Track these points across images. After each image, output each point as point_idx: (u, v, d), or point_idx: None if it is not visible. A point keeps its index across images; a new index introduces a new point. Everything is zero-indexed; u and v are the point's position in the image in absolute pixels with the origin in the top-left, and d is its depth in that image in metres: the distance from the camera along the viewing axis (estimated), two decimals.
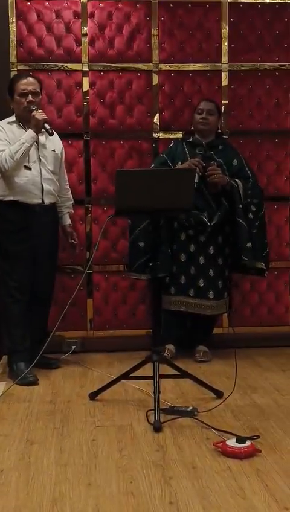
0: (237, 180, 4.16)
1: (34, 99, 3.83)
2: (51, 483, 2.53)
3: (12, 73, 4.31)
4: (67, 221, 4.18)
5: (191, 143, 4.24)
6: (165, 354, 4.07)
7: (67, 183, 4.19)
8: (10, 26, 4.37)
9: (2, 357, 4.26)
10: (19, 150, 3.73)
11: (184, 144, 4.26)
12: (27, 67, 4.39)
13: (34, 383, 3.76)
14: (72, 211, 4.23)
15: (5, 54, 4.37)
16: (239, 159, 4.27)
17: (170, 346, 4.27)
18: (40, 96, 3.93)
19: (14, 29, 4.38)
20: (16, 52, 4.39)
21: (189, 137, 4.28)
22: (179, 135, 4.47)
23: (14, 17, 4.37)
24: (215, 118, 4.23)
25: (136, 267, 4.18)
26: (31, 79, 3.89)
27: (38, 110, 3.80)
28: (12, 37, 4.38)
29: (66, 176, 4.19)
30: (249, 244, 4.08)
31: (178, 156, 4.21)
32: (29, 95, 3.82)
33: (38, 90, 3.89)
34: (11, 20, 4.37)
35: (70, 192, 4.21)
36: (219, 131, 4.37)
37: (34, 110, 3.78)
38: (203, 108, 4.21)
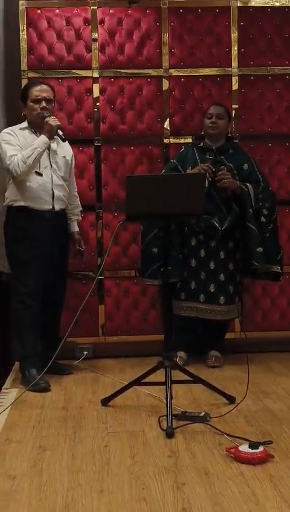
0: (247, 184, 4.15)
1: (47, 106, 3.85)
2: (63, 490, 2.53)
3: (24, 81, 4.34)
4: (75, 228, 4.18)
5: (201, 148, 4.24)
6: (176, 361, 4.06)
7: (76, 190, 4.20)
8: (21, 34, 4.40)
9: (14, 363, 4.26)
10: (31, 155, 3.74)
11: (194, 149, 4.26)
12: (38, 75, 4.41)
13: (46, 389, 3.77)
14: (80, 218, 4.24)
15: (16, 62, 4.39)
16: (250, 163, 4.26)
17: (181, 354, 4.26)
18: (53, 104, 3.95)
19: (25, 36, 4.40)
20: (26, 59, 4.41)
21: (199, 142, 4.28)
22: (190, 140, 4.47)
23: (25, 25, 4.40)
24: (224, 122, 4.23)
25: (150, 273, 4.17)
26: (45, 86, 3.91)
27: (52, 116, 3.82)
28: (23, 45, 4.41)
29: (75, 183, 4.20)
30: (259, 249, 4.07)
31: (188, 161, 4.21)
32: (43, 102, 3.84)
33: (52, 98, 3.91)
34: (21, 28, 4.39)
35: (78, 200, 4.22)
36: (229, 135, 4.36)
37: (47, 116, 3.80)
38: (212, 112, 4.22)
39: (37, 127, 3.88)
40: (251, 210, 4.10)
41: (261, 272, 4.18)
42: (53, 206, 3.90)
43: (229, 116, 4.33)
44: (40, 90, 3.86)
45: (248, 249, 4.11)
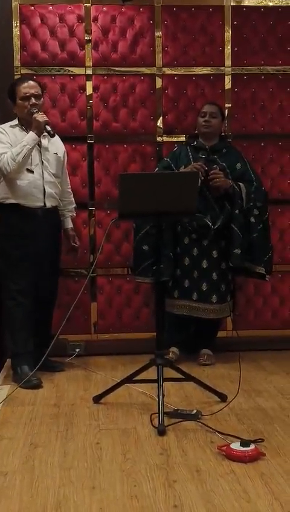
0: (240, 183, 4.16)
1: (36, 102, 3.84)
2: (55, 487, 2.53)
3: (16, 77, 4.32)
4: (69, 224, 4.18)
5: (194, 147, 4.24)
6: (169, 356, 4.08)
7: (69, 186, 4.20)
8: (14, 30, 4.39)
9: (6, 360, 4.26)
10: (20, 152, 3.74)
11: (188, 147, 4.27)
12: (31, 71, 4.40)
13: (38, 386, 3.77)
14: (74, 214, 4.24)
15: (9, 58, 4.38)
16: (243, 162, 4.27)
17: (174, 349, 4.27)
18: (42, 99, 3.94)
19: (18, 33, 4.39)
20: (19, 56, 4.40)
21: (193, 141, 4.28)
22: (183, 139, 4.48)
23: (18, 22, 4.38)
24: (218, 120, 4.24)
25: (141, 270, 4.19)
26: (32, 82, 3.90)
27: (40, 112, 3.81)
28: (16, 41, 4.39)
29: (68, 179, 4.20)
30: (237, 251, 4.08)
31: (182, 160, 4.21)
32: (32, 98, 3.83)
33: (40, 93, 3.90)
34: (14, 25, 4.38)
35: (72, 196, 4.21)
36: (223, 134, 4.37)
37: (35, 112, 3.79)
38: (206, 111, 4.22)
39: (27, 124, 3.87)
40: (237, 211, 4.11)
41: (251, 271, 4.19)
42: (44, 203, 3.89)
43: (223, 115, 4.33)
44: (27, 87, 3.85)
45: (228, 249, 4.12)
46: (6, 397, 3.57)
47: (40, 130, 3.79)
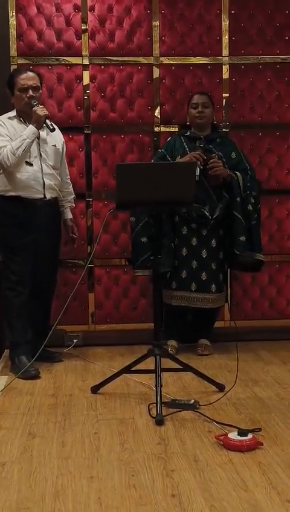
0: (236, 172, 4.15)
1: (34, 94, 3.82)
2: (53, 477, 2.53)
3: (13, 67, 4.29)
4: (69, 215, 4.17)
5: (188, 137, 4.22)
6: (169, 351, 4.07)
7: (69, 177, 4.19)
8: (10, 19, 4.36)
9: (4, 350, 4.26)
10: (20, 146, 3.72)
11: (182, 138, 4.24)
12: (27, 61, 4.38)
13: (36, 376, 3.77)
14: (74, 205, 4.22)
15: (5, 48, 4.35)
16: (237, 151, 4.26)
17: (172, 342, 4.26)
18: (40, 91, 3.91)
19: (14, 22, 4.36)
20: (15, 45, 4.37)
21: (186, 131, 4.26)
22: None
23: (14, 11, 4.35)
24: (210, 110, 4.21)
25: (140, 263, 4.16)
26: (30, 73, 3.87)
27: (40, 105, 3.78)
28: (12, 31, 4.37)
29: (67, 170, 4.18)
30: (242, 238, 4.07)
31: (177, 150, 4.19)
32: (30, 90, 3.81)
33: (39, 85, 3.87)
34: (10, 14, 4.35)
35: (71, 186, 4.20)
36: (214, 123, 4.33)
37: (35, 105, 3.76)
38: (197, 102, 4.19)
39: (25, 116, 3.84)
40: (238, 198, 4.10)
41: (245, 261, 4.17)
42: (44, 195, 3.88)
43: (213, 104, 4.29)
44: (26, 78, 3.82)
45: (231, 237, 4.11)
46: (5, 387, 3.57)
47: (40, 124, 3.76)
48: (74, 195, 4.21)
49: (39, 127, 3.77)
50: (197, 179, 3.76)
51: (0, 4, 4.34)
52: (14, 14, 4.36)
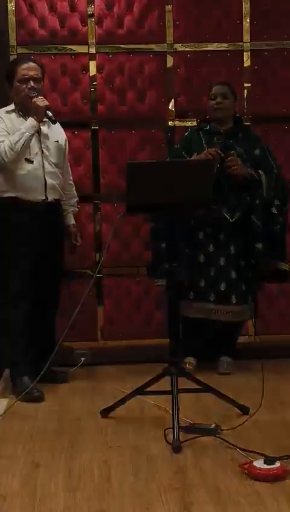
0: (259, 171, 4.14)
1: (35, 86, 3.85)
2: (58, 511, 2.53)
3: (12, 58, 4.33)
4: (71, 220, 4.18)
5: (208, 131, 4.23)
6: (187, 369, 4.05)
7: (71, 178, 4.20)
8: (9, 5, 4.40)
9: (4, 370, 4.27)
10: (19, 140, 3.74)
11: (200, 132, 4.25)
12: (28, 51, 4.42)
13: (40, 399, 3.78)
14: (77, 209, 4.23)
15: (4, 36, 4.40)
16: (262, 147, 4.25)
17: (190, 359, 4.27)
18: (42, 83, 3.94)
19: (14, 8, 4.41)
20: (15, 34, 4.41)
21: (205, 125, 4.26)
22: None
23: None
24: (230, 101, 4.21)
25: (161, 271, 4.14)
26: (32, 63, 3.90)
27: (40, 96, 3.81)
28: (12, 18, 4.41)
29: (70, 170, 4.20)
30: (259, 245, 4.07)
31: (194, 146, 4.20)
32: (31, 81, 3.84)
33: (41, 76, 3.91)
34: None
35: (74, 189, 4.21)
36: (237, 115, 4.33)
37: (34, 96, 3.79)
38: (215, 92, 4.20)
39: (25, 109, 3.87)
40: (258, 201, 4.09)
41: (266, 271, 4.15)
42: (46, 196, 3.90)
43: (235, 95, 4.29)
44: (27, 69, 3.85)
45: (249, 244, 4.10)
46: (5, 411, 3.59)
47: (40, 116, 3.79)
48: (77, 199, 4.23)
49: (40, 119, 3.80)
50: (214, 178, 3.76)
51: None
52: None
